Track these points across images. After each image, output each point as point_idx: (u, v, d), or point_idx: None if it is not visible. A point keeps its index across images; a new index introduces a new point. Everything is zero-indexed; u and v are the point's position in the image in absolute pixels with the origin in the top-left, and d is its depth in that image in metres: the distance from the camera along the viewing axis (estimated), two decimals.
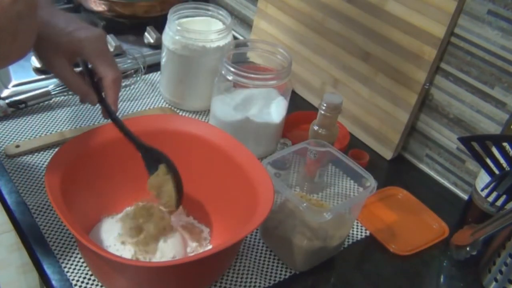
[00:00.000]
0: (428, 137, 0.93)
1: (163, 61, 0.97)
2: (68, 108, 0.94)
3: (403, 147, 0.96)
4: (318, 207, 0.74)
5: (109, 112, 0.72)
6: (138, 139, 0.70)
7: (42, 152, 0.84)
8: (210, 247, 0.72)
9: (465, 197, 0.87)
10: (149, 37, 1.15)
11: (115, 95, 0.72)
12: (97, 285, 0.66)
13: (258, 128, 0.87)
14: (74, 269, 0.67)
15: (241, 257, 0.72)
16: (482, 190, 0.77)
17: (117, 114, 0.72)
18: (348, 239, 0.78)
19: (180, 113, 0.98)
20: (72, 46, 0.70)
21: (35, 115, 0.91)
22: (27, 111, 0.92)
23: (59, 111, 0.93)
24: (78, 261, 0.68)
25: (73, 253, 0.69)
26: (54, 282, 0.66)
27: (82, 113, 0.93)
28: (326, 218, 0.65)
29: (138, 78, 1.04)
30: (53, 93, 0.93)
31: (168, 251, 0.66)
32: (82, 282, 0.66)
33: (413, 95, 0.89)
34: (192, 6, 0.98)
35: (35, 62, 1.00)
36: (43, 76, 0.99)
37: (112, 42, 1.08)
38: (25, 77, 0.99)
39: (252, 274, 0.70)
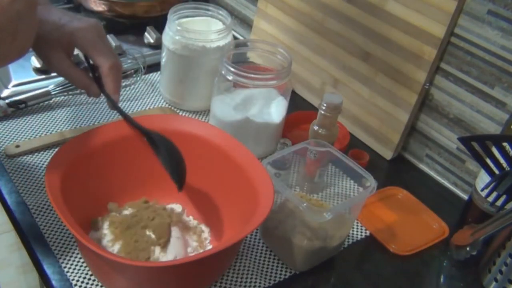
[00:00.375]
0: (428, 137, 0.93)
1: (163, 61, 0.97)
2: (68, 108, 0.94)
3: (403, 147, 0.96)
4: (318, 207, 0.74)
5: (111, 102, 0.72)
6: (142, 126, 0.72)
7: (42, 152, 0.84)
8: (210, 247, 0.72)
9: (465, 197, 0.87)
10: (149, 37, 1.15)
11: (113, 83, 0.71)
12: (97, 285, 0.66)
13: (258, 128, 0.87)
14: (74, 269, 0.67)
15: (241, 257, 0.72)
16: (482, 190, 0.77)
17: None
18: (348, 239, 0.78)
19: (180, 113, 0.98)
20: (66, 39, 0.70)
21: (35, 115, 0.91)
22: (27, 111, 0.92)
23: (59, 111, 0.93)
24: (78, 261, 0.68)
25: (73, 253, 0.69)
26: (54, 282, 0.66)
27: (82, 113, 0.93)
28: (326, 218, 0.65)
29: (138, 78, 1.04)
30: (53, 93, 0.93)
31: (168, 251, 0.66)
32: (82, 282, 0.66)
33: (413, 95, 0.89)
34: (192, 6, 0.98)
35: (35, 62, 1.00)
36: (43, 76, 0.99)
37: (112, 42, 1.08)
38: (25, 77, 0.99)
39: (252, 274, 0.70)
